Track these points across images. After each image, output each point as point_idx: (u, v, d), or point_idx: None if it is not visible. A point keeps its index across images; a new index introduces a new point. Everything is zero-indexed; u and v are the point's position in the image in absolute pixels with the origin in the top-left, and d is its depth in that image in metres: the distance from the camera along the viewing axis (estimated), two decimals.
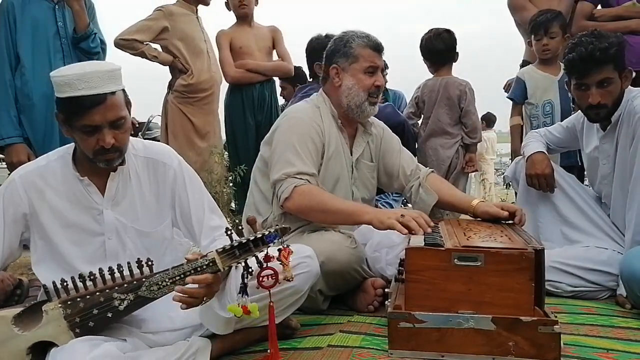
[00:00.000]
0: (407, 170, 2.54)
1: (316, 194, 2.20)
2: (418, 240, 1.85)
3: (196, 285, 1.51)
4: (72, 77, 1.60)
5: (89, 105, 1.61)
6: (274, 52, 4.07)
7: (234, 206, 4.11)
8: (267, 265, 1.56)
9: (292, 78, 4.37)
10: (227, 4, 3.96)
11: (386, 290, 2.07)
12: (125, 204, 1.81)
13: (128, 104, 1.74)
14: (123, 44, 3.59)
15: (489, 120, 9.51)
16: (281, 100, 4.38)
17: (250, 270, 1.55)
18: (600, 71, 2.30)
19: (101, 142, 1.65)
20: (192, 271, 1.53)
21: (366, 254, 2.32)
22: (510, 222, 2.18)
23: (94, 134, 1.65)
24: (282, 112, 3.94)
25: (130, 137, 1.83)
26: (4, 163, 3.01)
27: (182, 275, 1.54)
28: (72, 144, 1.78)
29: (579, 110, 2.58)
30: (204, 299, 1.55)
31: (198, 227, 1.84)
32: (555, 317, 1.68)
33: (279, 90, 4.40)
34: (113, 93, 1.64)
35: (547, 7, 3.36)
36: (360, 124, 2.51)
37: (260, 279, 1.58)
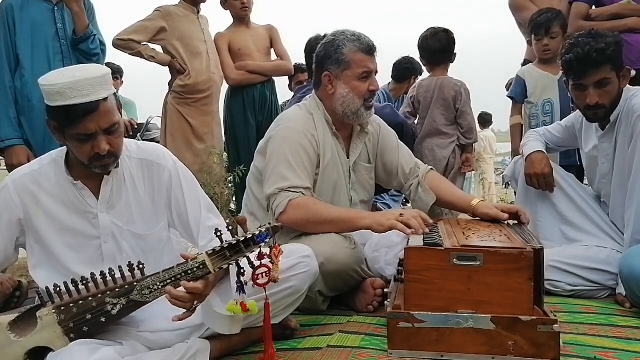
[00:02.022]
0: (406, 168, 2.53)
1: (311, 205, 2.18)
2: (417, 240, 1.85)
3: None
4: (63, 86, 1.58)
5: (82, 114, 1.59)
6: (272, 51, 4.07)
7: (233, 207, 4.11)
8: (260, 263, 1.56)
9: None
10: (222, 3, 3.96)
11: (385, 290, 2.07)
12: (121, 207, 1.81)
13: (119, 107, 1.73)
14: (120, 44, 3.59)
15: (484, 120, 9.52)
16: (281, 100, 4.37)
17: (242, 270, 1.55)
18: (597, 72, 2.30)
19: (96, 149, 1.64)
20: (183, 274, 1.53)
21: (365, 254, 2.32)
22: (516, 222, 2.18)
23: (89, 142, 1.64)
24: (282, 109, 3.96)
25: (124, 139, 1.83)
26: (4, 165, 3.00)
27: (173, 279, 1.54)
28: (65, 147, 1.77)
29: (578, 110, 2.58)
30: (195, 303, 1.55)
31: (195, 227, 1.83)
32: (555, 316, 1.69)
33: (280, 89, 4.40)
34: (105, 99, 1.63)
35: (548, 6, 3.36)
36: (357, 125, 2.47)
37: (255, 276, 1.58)
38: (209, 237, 1.79)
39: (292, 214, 2.15)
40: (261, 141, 2.43)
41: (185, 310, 1.55)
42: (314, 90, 2.48)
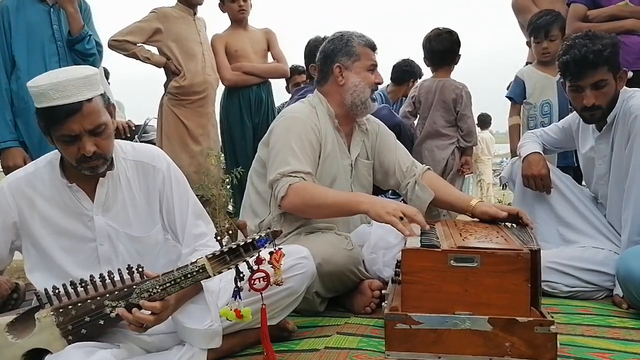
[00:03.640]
0: (403, 167, 2.56)
1: (310, 189, 2.22)
2: (414, 242, 1.85)
3: (148, 312, 1.52)
4: (46, 87, 1.57)
5: (65, 115, 1.58)
6: (269, 54, 4.08)
7: (231, 208, 4.10)
8: (258, 267, 1.56)
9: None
10: (220, 6, 3.96)
11: (383, 291, 2.07)
12: (116, 209, 1.80)
13: (111, 107, 1.72)
14: (115, 45, 3.58)
15: (483, 121, 9.51)
16: (278, 102, 4.38)
17: (241, 275, 1.55)
18: (594, 73, 2.30)
19: (82, 150, 1.63)
20: (182, 278, 1.52)
21: (363, 256, 2.32)
22: (515, 224, 2.19)
23: (75, 143, 1.63)
24: (279, 113, 3.96)
25: (119, 141, 1.82)
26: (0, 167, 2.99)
27: (172, 282, 1.53)
28: None
29: (575, 111, 2.58)
30: (143, 325, 1.54)
31: (181, 233, 1.83)
32: (552, 317, 1.69)
33: (277, 91, 4.40)
34: (89, 100, 1.61)
35: (551, 8, 3.36)
36: (356, 123, 2.54)
37: (252, 281, 1.57)
38: (192, 245, 1.79)
39: (292, 198, 2.20)
40: (265, 134, 2.48)
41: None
42: (316, 89, 2.54)
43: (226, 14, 3.97)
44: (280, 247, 1.61)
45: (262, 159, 2.43)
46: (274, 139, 2.35)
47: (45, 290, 1.59)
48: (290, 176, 2.22)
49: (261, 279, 1.58)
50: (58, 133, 1.62)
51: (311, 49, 3.44)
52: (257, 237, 1.51)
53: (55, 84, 1.57)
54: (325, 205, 2.19)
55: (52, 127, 1.62)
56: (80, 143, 1.63)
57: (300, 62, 4.06)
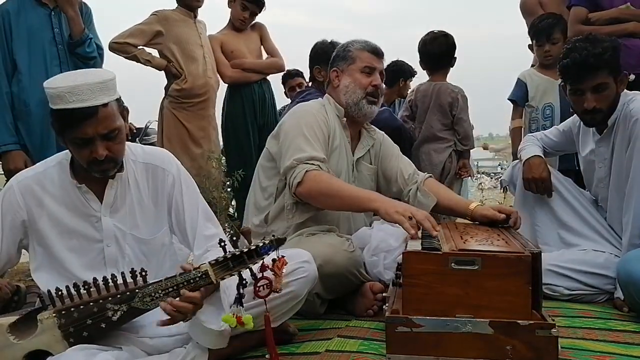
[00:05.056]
0: (405, 174, 2.58)
1: (326, 179, 2.24)
2: (415, 244, 1.85)
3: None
4: (63, 89, 1.58)
5: (80, 118, 1.59)
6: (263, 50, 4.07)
7: (231, 211, 4.10)
8: (262, 275, 1.56)
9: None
10: (229, 1, 3.95)
11: (384, 294, 2.07)
12: (124, 210, 1.81)
13: (125, 111, 1.73)
14: (116, 47, 3.59)
15: None
16: (278, 106, 4.37)
17: (244, 282, 1.54)
18: (594, 77, 2.31)
19: (94, 154, 1.64)
20: (185, 283, 1.52)
21: (364, 258, 2.32)
22: (505, 225, 2.19)
23: (87, 146, 1.64)
24: (280, 113, 3.97)
25: (129, 143, 1.83)
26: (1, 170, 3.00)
27: (174, 287, 1.53)
28: None
29: (575, 114, 2.58)
30: (187, 315, 1.55)
31: (192, 235, 1.84)
32: (553, 320, 1.68)
33: (276, 92, 4.38)
34: (105, 105, 1.63)
35: (558, 11, 3.36)
36: (364, 129, 2.59)
37: (257, 288, 1.58)
38: (204, 246, 1.80)
39: (309, 184, 2.22)
40: (275, 129, 2.52)
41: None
42: (325, 93, 2.62)
43: (230, 9, 3.96)
44: (283, 254, 1.60)
45: (271, 152, 2.46)
46: (285, 130, 2.38)
47: (49, 291, 1.59)
48: (307, 163, 2.25)
49: (265, 286, 1.58)
50: (71, 135, 1.63)
51: (317, 51, 3.44)
52: (260, 244, 1.51)
53: (73, 87, 1.58)
54: (339, 196, 2.21)
55: (66, 129, 1.63)
56: (92, 146, 1.64)
57: (298, 64, 4.07)
